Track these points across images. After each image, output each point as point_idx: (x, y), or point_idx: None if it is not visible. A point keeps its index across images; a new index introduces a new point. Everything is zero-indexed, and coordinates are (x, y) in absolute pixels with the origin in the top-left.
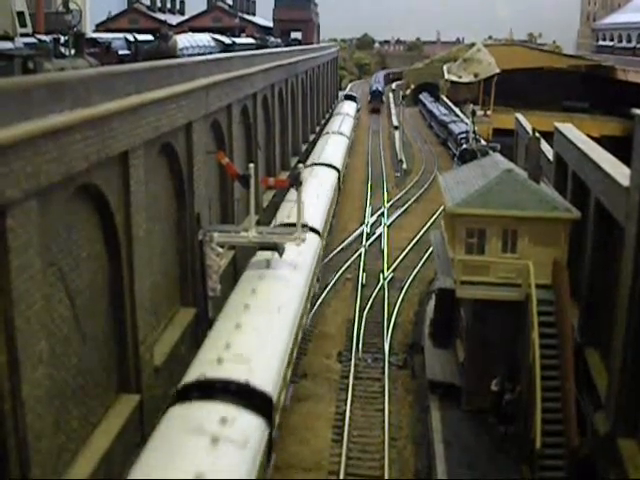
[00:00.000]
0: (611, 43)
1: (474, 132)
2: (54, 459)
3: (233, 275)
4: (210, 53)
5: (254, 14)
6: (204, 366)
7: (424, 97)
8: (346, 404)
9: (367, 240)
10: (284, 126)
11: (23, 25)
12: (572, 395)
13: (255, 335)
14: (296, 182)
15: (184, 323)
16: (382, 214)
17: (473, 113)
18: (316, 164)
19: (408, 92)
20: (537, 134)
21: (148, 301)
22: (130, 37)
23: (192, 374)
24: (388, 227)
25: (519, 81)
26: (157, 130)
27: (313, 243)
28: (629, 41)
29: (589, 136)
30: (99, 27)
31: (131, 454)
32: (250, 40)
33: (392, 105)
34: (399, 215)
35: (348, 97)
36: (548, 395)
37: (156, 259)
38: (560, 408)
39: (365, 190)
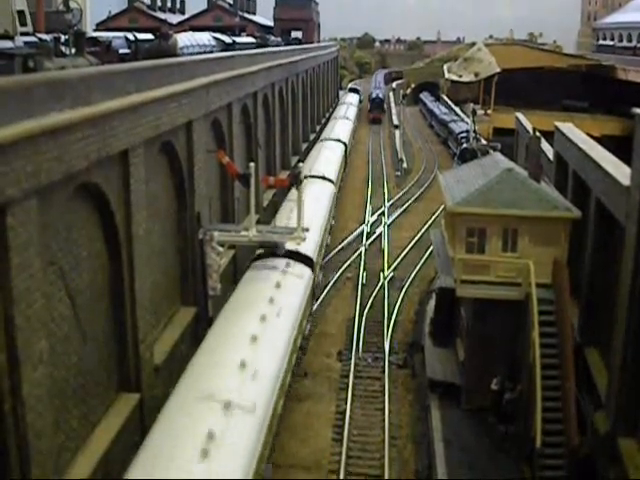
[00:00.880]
0: (611, 42)
1: (474, 131)
2: (54, 458)
3: (233, 274)
4: (210, 52)
5: (254, 13)
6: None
7: (424, 96)
8: (346, 403)
9: (367, 239)
10: (284, 125)
11: (23, 24)
12: (572, 394)
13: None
14: (296, 181)
15: (184, 322)
16: (382, 213)
17: (473, 112)
18: (327, 139)
19: (408, 91)
20: (537, 133)
21: (148, 300)
22: (130, 36)
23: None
24: (388, 226)
25: (519, 80)
26: (157, 129)
27: (329, 189)
28: (629, 40)
29: (589, 135)
30: (99, 26)
31: (131, 453)
32: (250, 39)
33: (392, 105)
34: (400, 214)
35: (352, 90)
36: (548, 394)
37: (156, 258)
38: (560, 407)
39: (365, 191)
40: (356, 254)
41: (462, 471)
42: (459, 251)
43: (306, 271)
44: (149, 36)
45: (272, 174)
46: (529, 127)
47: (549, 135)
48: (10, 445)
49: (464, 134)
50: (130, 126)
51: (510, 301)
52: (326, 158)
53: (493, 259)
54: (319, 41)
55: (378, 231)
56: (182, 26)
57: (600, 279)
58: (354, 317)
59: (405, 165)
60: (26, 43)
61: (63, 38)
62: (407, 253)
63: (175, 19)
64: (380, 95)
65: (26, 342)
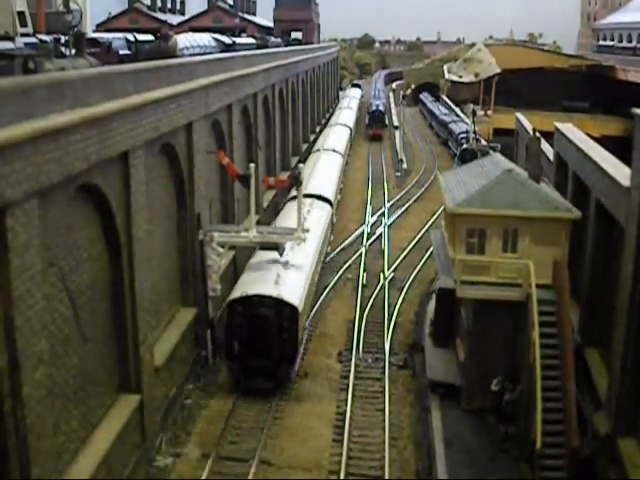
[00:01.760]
0: (611, 43)
1: (474, 132)
2: (54, 459)
3: (233, 275)
4: (210, 53)
5: (254, 14)
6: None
7: (424, 97)
8: (346, 404)
9: (367, 240)
10: (284, 126)
11: (24, 25)
12: (572, 395)
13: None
14: (296, 182)
15: (184, 323)
16: (383, 214)
17: (473, 113)
18: (336, 124)
19: (408, 92)
20: (537, 134)
21: (148, 301)
22: (130, 37)
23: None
24: (389, 227)
25: (519, 81)
26: (157, 130)
27: (338, 159)
28: (629, 41)
29: (589, 136)
30: (99, 27)
31: (131, 454)
32: (250, 40)
33: (392, 105)
34: (400, 215)
35: (354, 85)
36: (548, 395)
37: (156, 259)
38: (560, 408)
39: (365, 193)
40: (356, 255)
41: (462, 472)
42: (459, 252)
43: (327, 206)
44: (149, 37)
45: (272, 175)
46: (529, 128)
47: (549, 136)
48: (10, 446)
49: (464, 135)
50: (130, 127)
51: (510, 302)
52: (323, 175)
53: (493, 260)
54: (319, 42)
55: (378, 232)
56: (182, 27)
57: (600, 280)
58: (354, 318)
59: (405, 166)
60: (26, 44)
61: (63, 39)
62: (407, 254)
63: (175, 20)
64: (380, 107)
65: (26, 343)
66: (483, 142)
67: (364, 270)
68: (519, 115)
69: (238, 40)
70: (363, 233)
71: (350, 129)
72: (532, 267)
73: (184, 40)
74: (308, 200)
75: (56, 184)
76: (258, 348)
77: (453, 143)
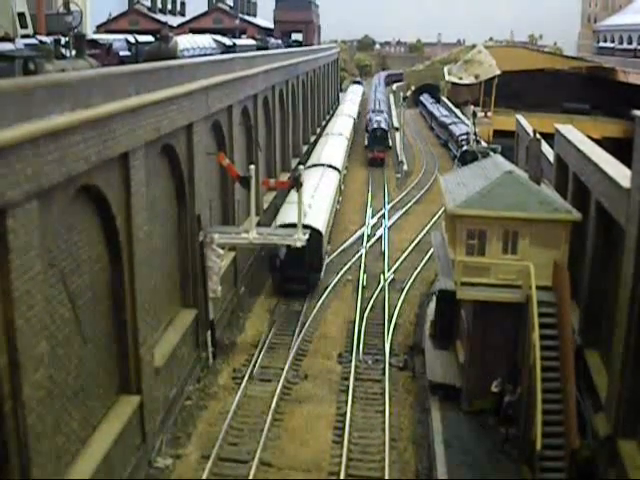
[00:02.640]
0: (612, 45)
1: (475, 133)
2: (54, 460)
3: (234, 276)
4: (211, 54)
5: (255, 15)
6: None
7: (425, 98)
8: (347, 405)
9: (368, 241)
10: (285, 127)
11: (24, 26)
12: (572, 396)
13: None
14: (297, 183)
15: (185, 324)
16: (383, 215)
17: (474, 114)
18: (342, 114)
19: (409, 93)
20: (538, 135)
21: (149, 302)
22: (131, 38)
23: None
24: (389, 228)
25: (520, 83)
26: (158, 131)
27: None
28: (630, 43)
29: (590, 137)
30: (100, 28)
31: (131, 455)
32: (251, 41)
33: (393, 107)
34: (400, 216)
35: (355, 82)
36: (548, 396)
37: (157, 260)
38: (560, 410)
39: (366, 194)
40: (356, 256)
41: (462, 473)
42: (459, 253)
43: (335, 173)
44: (149, 38)
45: (272, 176)
46: (529, 129)
47: (549, 137)
48: (10, 447)
49: (464, 136)
50: (130, 128)
51: (510, 303)
52: (333, 148)
53: (493, 261)
54: (319, 43)
55: (378, 233)
56: (182, 28)
57: (600, 281)
58: (354, 319)
59: (405, 167)
60: (26, 45)
61: (63, 40)
62: (407, 255)
63: (175, 21)
64: (382, 124)
65: (26, 344)
66: (483, 144)
67: (364, 271)
68: (519, 117)
69: (238, 41)
70: (363, 234)
71: (354, 119)
72: (532, 269)
73: (184, 41)
74: (322, 167)
75: (56, 185)
76: (294, 261)
77: (453, 145)
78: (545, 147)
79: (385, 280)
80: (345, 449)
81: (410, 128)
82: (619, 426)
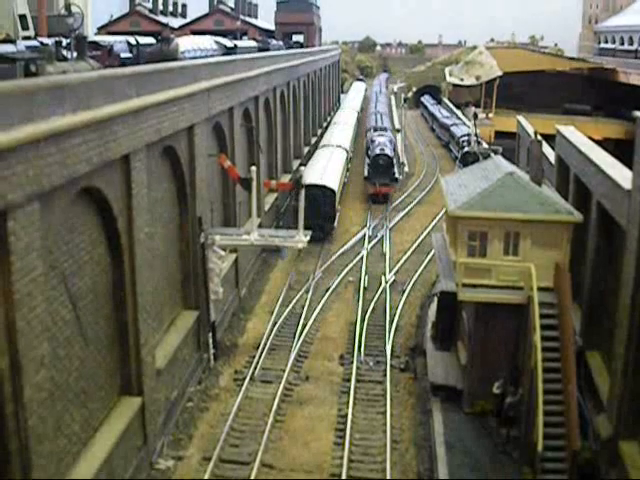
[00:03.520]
0: (613, 46)
1: (476, 135)
2: (56, 462)
3: (235, 278)
4: (212, 56)
5: (256, 17)
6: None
7: (426, 100)
8: (348, 407)
9: (369, 243)
10: (286, 129)
11: (25, 28)
12: (574, 398)
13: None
14: (298, 185)
15: (186, 326)
16: (384, 217)
17: (475, 116)
18: (346, 107)
19: (410, 95)
20: (539, 137)
21: (150, 304)
22: (132, 40)
23: (323, 142)
24: (390, 230)
25: (521, 84)
26: (159, 133)
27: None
28: (631, 44)
29: (591, 139)
30: (101, 30)
31: (132, 457)
32: (252, 43)
33: (394, 109)
34: (401, 218)
35: (358, 79)
36: (550, 398)
37: (158, 262)
38: (562, 411)
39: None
40: (358, 258)
41: (464, 474)
42: (461, 254)
43: (344, 151)
44: (151, 40)
45: (274, 178)
46: (530, 130)
47: (551, 138)
48: (12, 448)
49: (465, 137)
50: (131, 130)
51: (512, 305)
52: (342, 132)
53: (495, 263)
54: (320, 45)
55: (380, 235)
56: (183, 30)
57: (602, 282)
58: (356, 321)
59: (407, 169)
60: (28, 47)
61: (65, 42)
62: (409, 257)
63: (176, 23)
64: (387, 149)
65: (28, 346)
66: (484, 145)
67: (365, 273)
68: (520, 118)
69: (239, 43)
70: (364, 236)
71: (357, 112)
72: (533, 270)
73: (185, 43)
74: (332, 147)
75: (58, 187)
76: (314, 213)
77: (454, 146)
78: (546, 148)
79: (386, 281)
80: (346, 451)
81: (411, 129)
82: (620, 427)
